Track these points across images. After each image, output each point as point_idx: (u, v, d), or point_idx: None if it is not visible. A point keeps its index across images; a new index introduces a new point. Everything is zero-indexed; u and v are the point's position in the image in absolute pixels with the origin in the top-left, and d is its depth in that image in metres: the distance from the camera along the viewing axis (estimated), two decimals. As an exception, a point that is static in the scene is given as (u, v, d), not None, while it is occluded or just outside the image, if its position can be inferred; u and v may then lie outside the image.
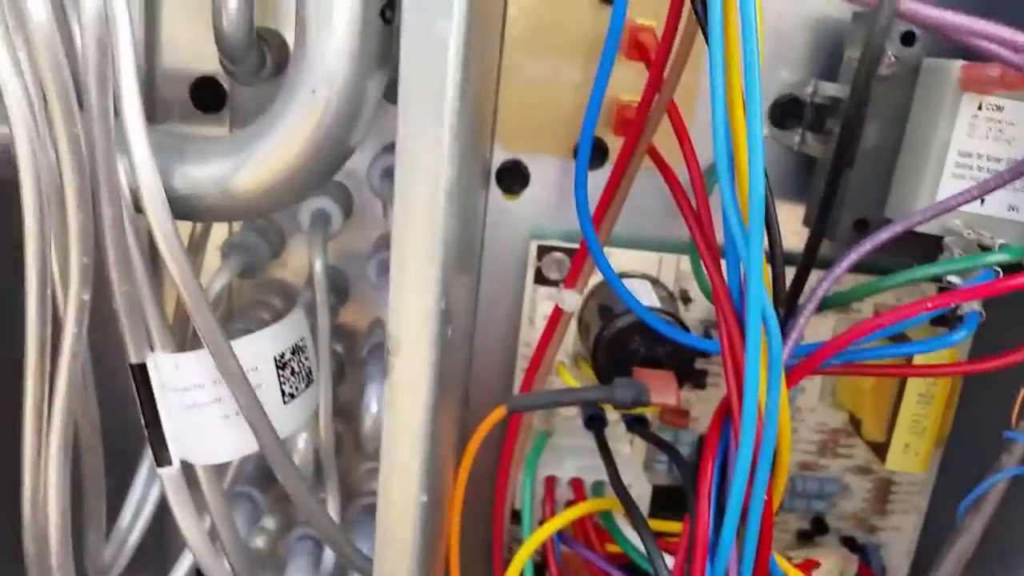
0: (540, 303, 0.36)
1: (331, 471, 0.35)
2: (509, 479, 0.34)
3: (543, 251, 0.35)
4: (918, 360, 0.32)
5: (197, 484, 0.29)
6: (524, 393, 0.33)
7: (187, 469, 0.29)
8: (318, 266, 0.33)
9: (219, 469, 0.31)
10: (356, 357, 0.38)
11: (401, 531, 0.27)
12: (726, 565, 0.27)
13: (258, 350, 0.29)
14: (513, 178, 0.36)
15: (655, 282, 0.35)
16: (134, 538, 0.35)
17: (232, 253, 0.34)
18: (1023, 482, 0.29)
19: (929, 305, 0.26)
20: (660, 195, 0.33)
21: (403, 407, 0.26)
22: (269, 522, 0.39)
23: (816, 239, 0.27)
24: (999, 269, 0.27)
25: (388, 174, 0.34)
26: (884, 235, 0.28)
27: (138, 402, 0.28)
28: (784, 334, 0.27)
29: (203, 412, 0.28)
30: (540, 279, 0.36)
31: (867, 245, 0.27)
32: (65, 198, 0.25)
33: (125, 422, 0.34)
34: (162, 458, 0.28)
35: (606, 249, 0.31)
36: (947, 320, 0.28)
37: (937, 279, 0.27)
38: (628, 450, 0.36)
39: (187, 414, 0.28)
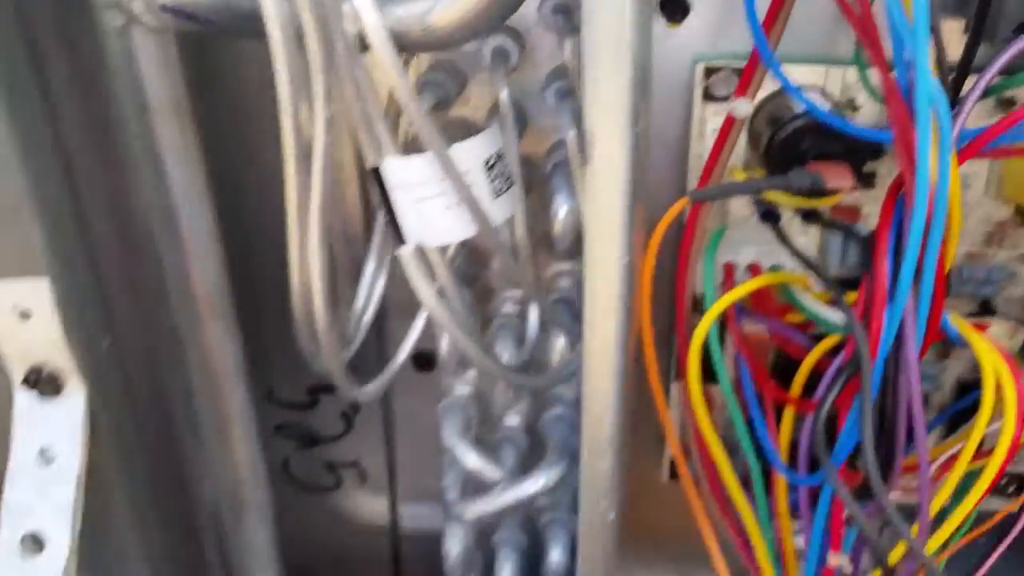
0: (709, 119, 0.38)
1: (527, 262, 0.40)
2: (688, 269, 0.38)
3: (710, 71, 0.38)
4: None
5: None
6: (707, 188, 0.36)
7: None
8: (503, 94, 0.37)
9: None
10: (538, 178, 0.43)
11: (606, 289, 0.31)
12: (903, 310, 0.30)
13: (470, 154, 0.33)
14: (675, 7, 0.38)
15: (823, 92, 0.37)
16: (368, 317, 0.42)
17: (425, 89, 0.38)
18: None
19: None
20: (823, 10, 0.35)
21: (603, 193, 0.30)
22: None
23: (976, 36, 0.29)
24: None
25: (558, 10, 0.38)
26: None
27: (378, 198, 0.33)
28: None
29: (430, 204, 0.33)
30: (708, 97, 0.38)
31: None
32: (305, 36, 0.29)
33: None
34: (399, 240, 0.34)
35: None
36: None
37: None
38: (803, 242, 0.39)
39: (417, 206, 0.33)
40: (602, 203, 0.30)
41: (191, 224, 0.39)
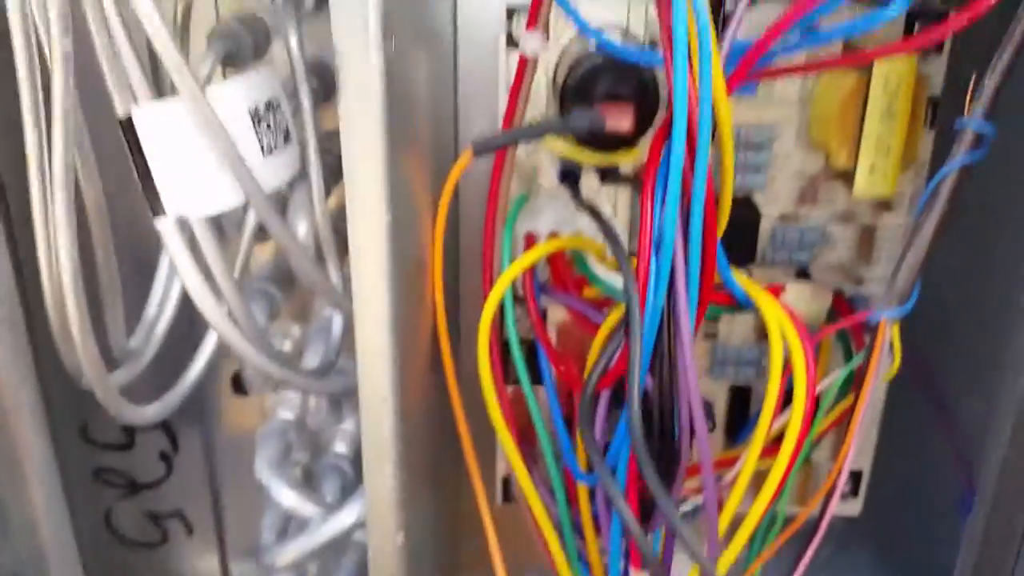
0: (513, 66, 0.37)
1: (331, 250, 0.38)
2: (495, 240, 0.36)
3: (511, 13, 0.36)
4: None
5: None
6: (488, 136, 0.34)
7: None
8: (292, 41, 0.35)
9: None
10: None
11: (371, 247, 0.29)
12: (671, 253, 0.28)
13: (231, 99, 0.31)
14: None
15: (625, 32, 0.36)
16: (162, 327, 0.38)
17: (215, 41, 0.35)
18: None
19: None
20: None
21: (356, 121, 0.28)
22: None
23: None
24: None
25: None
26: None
27: (129, 156, 0.31)
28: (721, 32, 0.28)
29: (188, 162, 0.30)
30: (512, 43, 0.36)
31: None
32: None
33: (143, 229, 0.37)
34: (157, 208, 0.31)
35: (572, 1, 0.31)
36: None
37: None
38: (609, 211, 0.38)
39: (174, 166, 0.30)
40: (357, 136, 0.28)
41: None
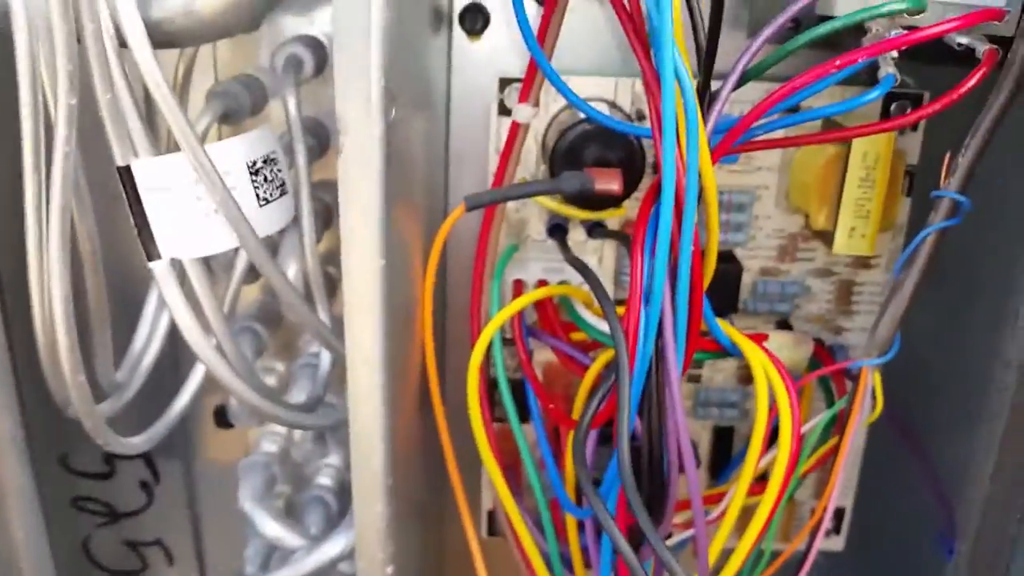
0: (504, 134, 0.38)
1: (320, 292, 0.38)
2: (483, 291, 0.37)
3: (504, 83, 0.37)
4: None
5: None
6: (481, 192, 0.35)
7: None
8: (291, 103, 0.36)
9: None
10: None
11: (365, 292, 0.29)
12: (660, 304, 0.29)
13: (230, 154, 0.31)
14: (475, 18, 0.38)
15: (612, 105, 0.37)
16: (148, 361, 0.39)
17: (214, 99, 0.37)
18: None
19: (838, 63, 0.28)
20: (614, 25, 0.34)
21: (355, 182, 0.29)
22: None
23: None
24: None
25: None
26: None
27: (127, 204, 0.31)
28: (707, 111, 0.29)
29: (185, 210, 0.31)
30: (504, 111, 0.38)
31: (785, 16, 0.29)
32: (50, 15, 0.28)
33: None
34: (152, 253, 0.31)
35: (564, 77, 0.32)
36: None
37: (838, 35, 0.29)
38: (595, 262, 0.39)
39: (171, 212, 0.31)
40: (355, 192, 0.29)
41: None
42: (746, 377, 0.41)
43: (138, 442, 0.37)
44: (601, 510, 0.29)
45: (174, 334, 0.39)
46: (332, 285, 0.41)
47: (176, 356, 0.41)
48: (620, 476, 0.29)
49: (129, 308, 0.39)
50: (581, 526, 0.37)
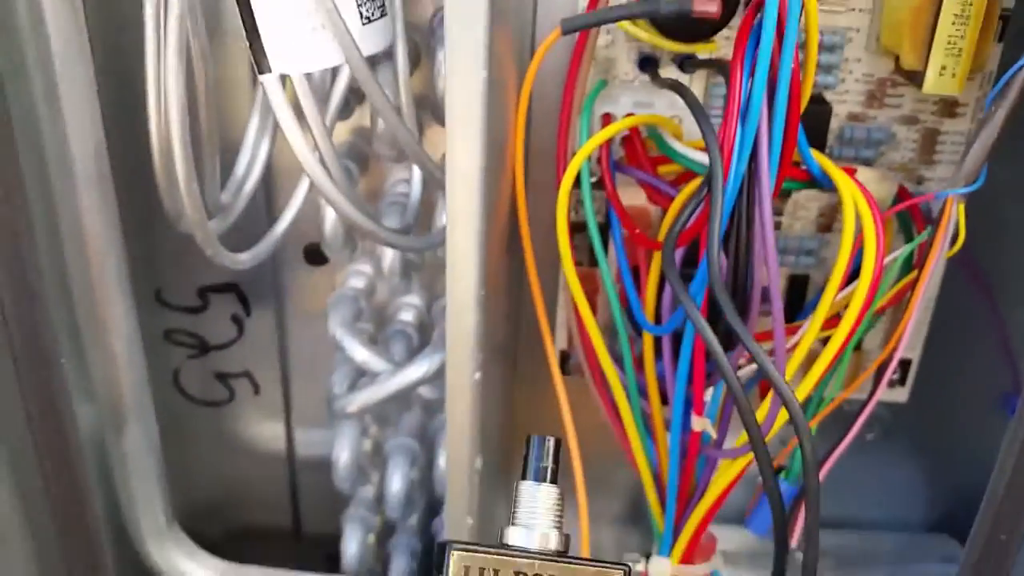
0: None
1: (412, 122, 0.39)
2: (571, 125, 0.38)
3: None
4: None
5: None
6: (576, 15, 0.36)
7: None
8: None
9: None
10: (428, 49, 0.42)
11: (468, 104, 0.30)
12: (756, 123, 0.30)
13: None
14: None
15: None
16: (250, 185, 0.41)
17: None
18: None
19: None
20: None
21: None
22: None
23: None
24: None
25: None
26: None
27: (239, 11, 0.32)
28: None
29: (293, 25, 0.32)
30: None
31: None
32: None
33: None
34: (263, 65, 0.33)
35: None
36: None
37: None
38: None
39: (280, 28, 0.32)
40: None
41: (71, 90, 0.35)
42: (825, 225, 0.41)
43: (244, 258, 0.39)
44: (689, 302, 0.30)
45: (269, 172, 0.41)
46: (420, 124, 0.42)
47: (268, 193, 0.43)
48: (709, 276, 0.30)
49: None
50: (658, 353, 0.39)
